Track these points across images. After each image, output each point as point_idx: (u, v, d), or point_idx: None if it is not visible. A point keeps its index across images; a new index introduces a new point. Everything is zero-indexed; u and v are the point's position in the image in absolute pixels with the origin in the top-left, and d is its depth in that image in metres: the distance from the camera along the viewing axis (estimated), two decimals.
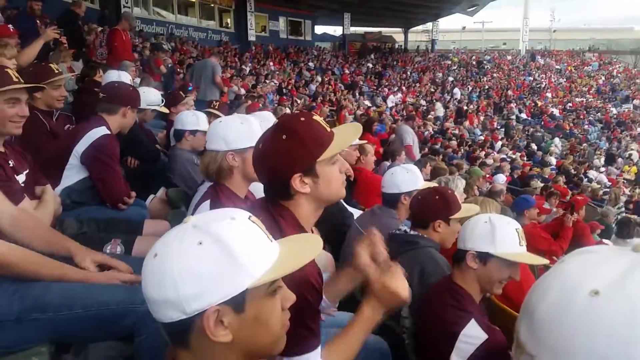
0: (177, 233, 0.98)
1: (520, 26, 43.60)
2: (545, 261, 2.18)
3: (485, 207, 3.57)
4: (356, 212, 4.06)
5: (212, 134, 2.42)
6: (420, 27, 41.91)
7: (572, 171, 16.17)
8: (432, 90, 28.62)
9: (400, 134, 9.18)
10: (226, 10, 26.35)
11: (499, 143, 19.95)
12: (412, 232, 2.70)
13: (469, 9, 36.41)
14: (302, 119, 1.54)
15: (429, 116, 21.63)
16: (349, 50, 32.89)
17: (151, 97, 4.60)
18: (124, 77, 4.79)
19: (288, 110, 12.29)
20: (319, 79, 23.73)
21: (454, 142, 16.88)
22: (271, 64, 23.32)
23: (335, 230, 3.53)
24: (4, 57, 3.67)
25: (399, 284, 1.58)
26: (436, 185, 3.29)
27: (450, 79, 31.77)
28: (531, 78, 35.78)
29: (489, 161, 13.87)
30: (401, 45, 39.03)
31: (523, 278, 2.18)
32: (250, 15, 25.39)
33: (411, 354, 2.25)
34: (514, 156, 17.56)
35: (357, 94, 23.50)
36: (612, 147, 23.89)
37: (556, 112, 29.07)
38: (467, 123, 22.16)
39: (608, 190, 13.75)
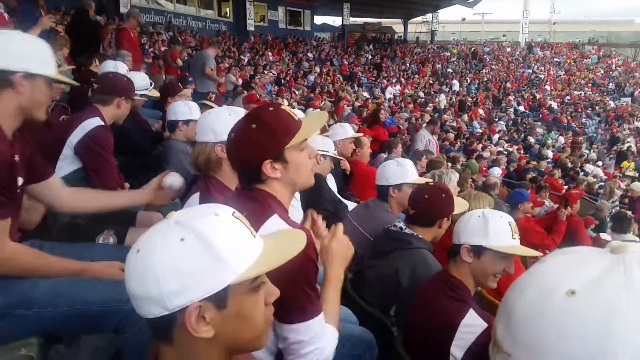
0: (159, 229, 0.98)
1: (520, 18, 43.45)
2: (538, 253, 2.20)
3: (479, 202, 3.57)
4: (351, 205, 4.08)
5: (201, 125, 2.43)
6: (419, 18, 41.70)
7: (569, 165, 16.18)
8: (431, 82, 28.54)
9: (416, 140, 9.06)
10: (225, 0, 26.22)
11: (496, 136, 19.94)
12: (407, 230, 2.71)
13: (469, 0, 36.26)
14: (271, 108, 1.65)
15: (427, 108, 21.60)
16: (348, 41, 32.75)
17: (138, 81, 4.42)
18: (120, 67, 4.76)
19: (286, 102, 12.29)
20: (318, 69, 23.66)
21: (451, 135, 16.88)
22: (270, 54, 23.22)
23: (328, 222, 3.54)
24: None
25: (342, 239, 1.76)
26: (430, 181, 3.29)
27: (449, 70, 31.68)
28: (530, 70, 35.71)
29: (486, 154, 13.86)
30: (400, 36, 38.87)
31: (515, 272, 2.20)
32: (249, 5, 25.28)
33: (399, 346, 2.27)
34: (511, 149, 17.56)
35: (355, 86, 23.43)
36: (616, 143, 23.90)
37: (554, 105, 29.05)
38: (465, 116, 22.14)
39: (604, 184, 13.77)
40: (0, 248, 1.78)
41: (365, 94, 22.52)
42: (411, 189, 2.92)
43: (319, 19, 35.33)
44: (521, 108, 27.80)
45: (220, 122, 2.34)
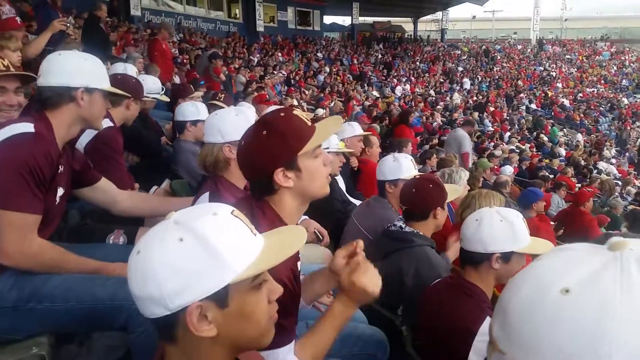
0: (159, 230, 0.99)
1: (531, 15, 43.11)
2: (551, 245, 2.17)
3: (489, 200, 3.55)
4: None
5: (208, 127, 2.44)
6: (429, 17, 41.52)
7: (582, 162, 16.02)
8: (442, 80, 28.40)
9: (458, 140, 8.76)
10: (234, 1, 26.28)
11: (508, 134, 19.79)
12: (407, 229, 2.69)
13: None
14: (282, 114, 1.58)
15: (437, 107, 21.48)
16: (358, 40, 32.70)
17: (150, 85, 4.52)
18: (130, 69, 4.77)
19: (295, 102, 12.29)
20: (328, 69, 23.64)
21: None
22: (279, 54, 23.25)
23: (338, 224, 3.54)
24: (8, 49, 3.68)
25: (368, 281, 1.56)
26: (422, 174, 3.29)
27: (460, 68, 31.51)
28: (542, 68, 35.41)
29: (498, 152, 13.76)
30: (410, 35, 38.74)
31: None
32: (258, 6, 25.31)
33: (409, 346, 2.26)
34: (523, 147, 17.41)
35: (365, 85, 23.38)
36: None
37: (567, 102, 28.78)
38: (476, 114, 21.99)
39: (618, 182, 13.63)
40: (29, 243, 1.89)
41: (375, 93, 22.46)
42: None
43: (328, 19, 35.34)
44: (533, 106, 27.57)
45: (228, 122, 2.34)
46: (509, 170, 10.03)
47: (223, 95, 5.72)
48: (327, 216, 3.22)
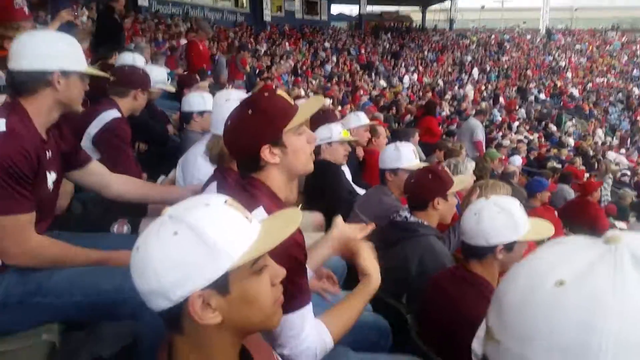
0: (155, 225, 1.01)
1: (541, 5, 42.57)
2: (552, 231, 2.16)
3: (496, 190, 3.54)
4: None
5: (214, 118, 2.45)
6: (438, 6, 41.10)
7: (590, 152, 15.90)
8: (450, 70, 28.22)
9: (471, 129, 8.78)
10: None
11: (516, 124, 19.66)
12: (412, 219, 2.70)
13: None
14: (266, 94, 1.66)
15: (446, 96, 21.37)
16: (366, 30, 32.49)
17: (157, 75, 4.49)
18: (138, 59, 4.79)
19: (302, 92, 12.28)
20: (335, 59, 23.55)
21: None
22: (287, 44, 23.18)
23: (346, 215, 3.55)
24: None
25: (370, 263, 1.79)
26: (425, 164, 3.28)
27: (469, 58, 31.28)
28: (551, 58, 35.06)
29: (506, 142, 13.68)
30: (419, 25, 38.44)
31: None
32: None
33: (414, 334, 2.27)
34: (531, 137, 17.31)
35: (373, 75, 23.29)
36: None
37: (576, 92, 28.51)
38: (484, 104, 21.85)
39: (627, 171, 13.53)
40: (26, 240, 1.86)
41: (383, 83, 22.37)
42: (407, 174, 2.93)
43: (335, 9, 35.14)
44: (542, 96, 27.34)
45: None
46: (517, 161, 9.97)
47: (231, 86, 5.71)
48: (335, 207, 3.23)
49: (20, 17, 4.40)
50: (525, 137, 16.70)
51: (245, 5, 26.33)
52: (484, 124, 9.80)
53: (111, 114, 3.14)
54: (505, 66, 31.46)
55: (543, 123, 21.50)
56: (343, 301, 1.74)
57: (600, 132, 21.89)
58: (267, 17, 25.58)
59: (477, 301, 2.02)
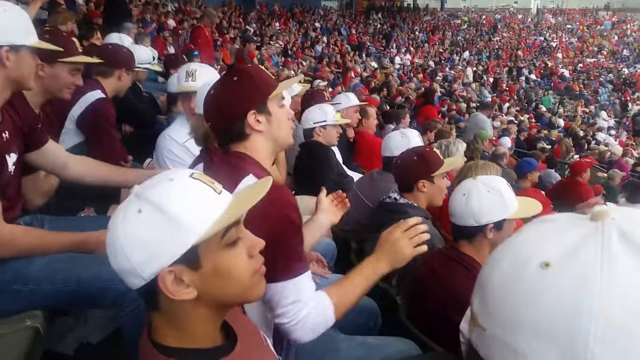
0: (123, 205, 1.01)
1: None
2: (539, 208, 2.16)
3: (486, 171, 3.53)
4: (357, 176, 4.04)
5: (199, 99, 2.39)
6: None
7: (580, 133, 15.96)
8: (441, 50, 28.08)
9: (480, 125, 8.52)
10: None
11: (506, 105, 19.66)
12: (402, 201, 2.69)
13: None
14: (249, 65, 1.67)
15: (437, 77, 21.28)
16: (357, 10, 32.16)
17: (141, 55, 4.41)
18: (125, 39, 4.69)
19: (293, 73, 12.16)
20: (325, 39, 23.33)
21: (463, 105, 16.63)
22: (276, 24, 22.91)
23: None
24: None
25: (405, 237, 1.75)
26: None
27: (460, 38, 31.14)
28: (542, 38, 35.00)
29: (496, 124, 13.66)
30: (410, 4, 38.12)
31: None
32: None
33: (403, 315, 2.27)
34: (522, 118, 17.32)
35: (363, 55, 23.11)
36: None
37: (566, 73, 28.53)
38: (474, 85, 21.79)
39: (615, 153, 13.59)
40: None
41: (374, 64, 22.21)
42: None
43: None
44: (533, 76, 27.33)
45: None
46: (507, 142, 9.96)
47: (218, 67, 5.64)
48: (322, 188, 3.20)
49: None
50: (516, 118, 16.70)
51: None
52: (490, 117, 9.68)
53: (95, 95, 3.06)
54: (497, 46, 31.36)
55: (533, 104, 21.53)
56: (347, 277, 1.69)
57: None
58: None
59: (467, 281, 2.01)
